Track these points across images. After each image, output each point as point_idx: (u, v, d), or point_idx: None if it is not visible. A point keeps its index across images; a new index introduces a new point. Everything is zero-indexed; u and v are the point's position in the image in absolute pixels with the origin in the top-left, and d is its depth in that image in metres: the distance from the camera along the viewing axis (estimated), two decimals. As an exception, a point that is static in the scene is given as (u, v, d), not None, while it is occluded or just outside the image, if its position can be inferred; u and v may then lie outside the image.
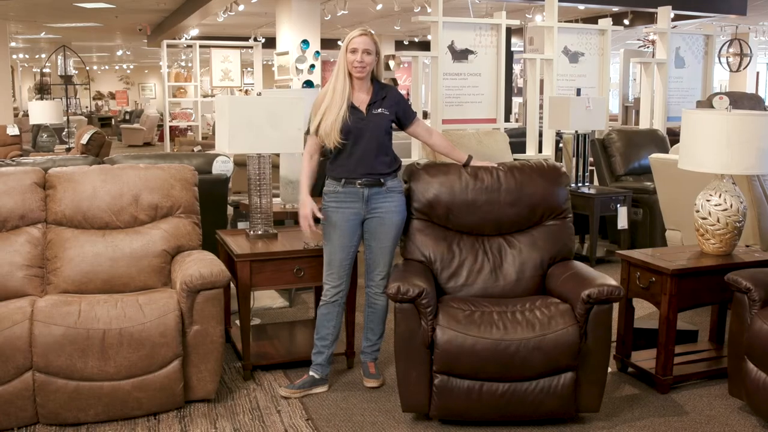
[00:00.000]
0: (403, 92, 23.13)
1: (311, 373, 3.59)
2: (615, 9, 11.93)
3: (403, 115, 3.53)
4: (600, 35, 7.29)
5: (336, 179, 3.47)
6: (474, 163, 3.66)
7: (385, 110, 3.45)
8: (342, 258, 3.48)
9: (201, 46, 13.47)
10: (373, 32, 3.39)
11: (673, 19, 9.72)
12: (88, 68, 19.40)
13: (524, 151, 7.08)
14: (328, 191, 3.48)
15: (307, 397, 3.52)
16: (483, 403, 3.11)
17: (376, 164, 3.44)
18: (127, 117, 24.75)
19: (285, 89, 9.66)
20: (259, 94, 4.97)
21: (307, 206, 3.46)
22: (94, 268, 3.56)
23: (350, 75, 3.39)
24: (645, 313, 4.68)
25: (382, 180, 3.46)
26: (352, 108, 3.40)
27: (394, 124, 3.52)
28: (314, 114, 3.44)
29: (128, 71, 32.88)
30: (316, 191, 3.61)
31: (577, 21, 12.29)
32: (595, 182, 6.92)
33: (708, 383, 3.69)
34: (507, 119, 8.12)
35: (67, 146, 9.94)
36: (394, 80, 19.50)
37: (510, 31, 9.96)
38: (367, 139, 3.41)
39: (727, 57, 14.09)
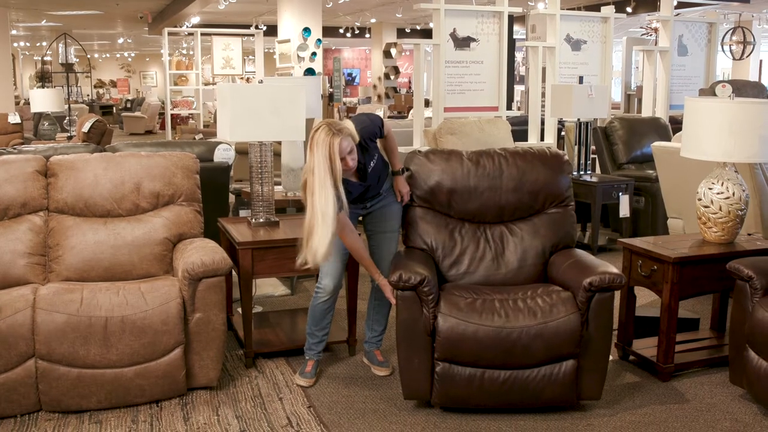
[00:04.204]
0: (405, 80, 22.83)
1: (313, 358, 3.60)
2: (618, -4, 11.88)
3: (377, 138, 3.42)
4: (602, 23, 7.26)
5: None
6: (398, 179, 3.53)
7: (372, 160, 3.36)
8: (346, 251, 3.48)
9: (202, 34, 13.42)
10: (341, 128, 3.11)
11: (676, 7, 9.67)
12: (89, 56, 19.35)
13: (526, 139, 7.07)
14: None
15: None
16: (484, 390, 3.11)
17: (379, 188, 3.49)
18: (129, 105, 24.75)
19: (286, 77, 9.64)
20: (261, 81, 4.95)
21: None
22: (96, 255, 3.56)
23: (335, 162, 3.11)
24: (646, 301, 4.69)
25: (381, 192, 3.52)
26: (350, 184, 3.31)
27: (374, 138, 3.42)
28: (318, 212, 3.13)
29: (129, 59, 32.80)
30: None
31: (579, 9, 12.23)
32: (597, 170, 6.91)
33: (709, 371, 3.70)
34: (509, 107, 8.10)
35: (69, 134, 9.93)
36: (396, 68, 19.44)
37: (512, 19, 9.92)
38: (373, 186, 3.44)
39: (730, 45, 14.02)
